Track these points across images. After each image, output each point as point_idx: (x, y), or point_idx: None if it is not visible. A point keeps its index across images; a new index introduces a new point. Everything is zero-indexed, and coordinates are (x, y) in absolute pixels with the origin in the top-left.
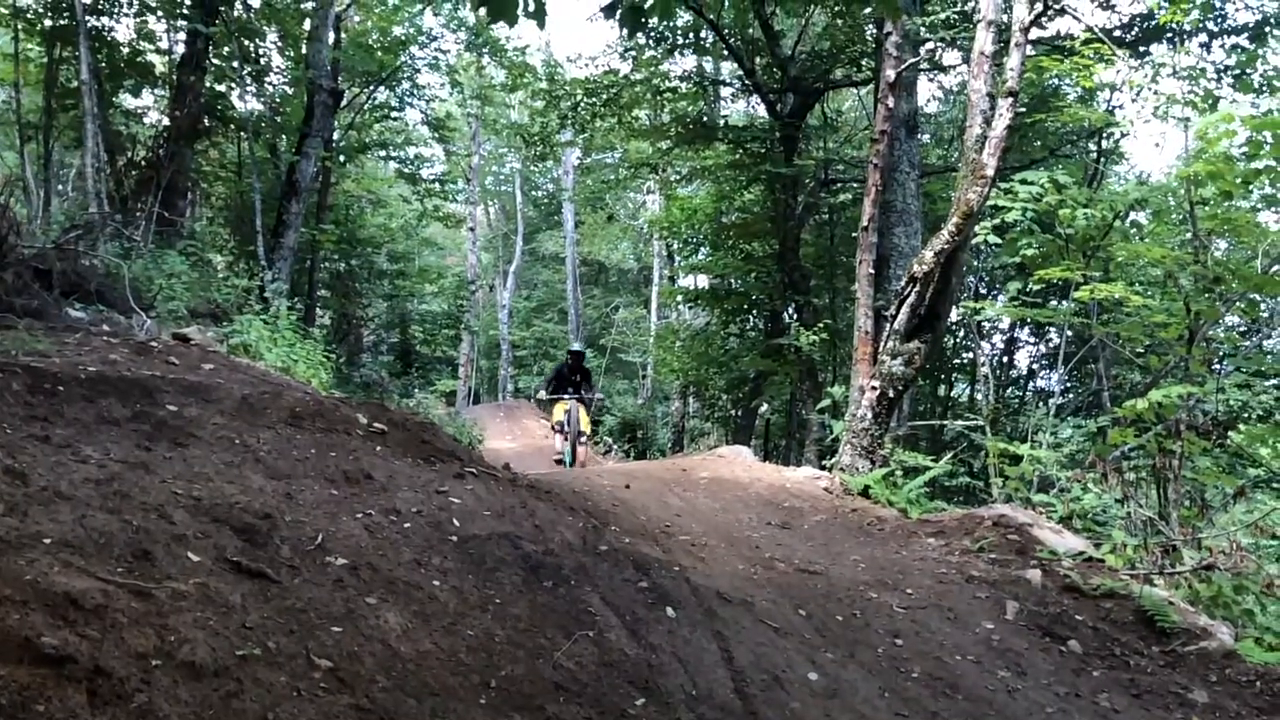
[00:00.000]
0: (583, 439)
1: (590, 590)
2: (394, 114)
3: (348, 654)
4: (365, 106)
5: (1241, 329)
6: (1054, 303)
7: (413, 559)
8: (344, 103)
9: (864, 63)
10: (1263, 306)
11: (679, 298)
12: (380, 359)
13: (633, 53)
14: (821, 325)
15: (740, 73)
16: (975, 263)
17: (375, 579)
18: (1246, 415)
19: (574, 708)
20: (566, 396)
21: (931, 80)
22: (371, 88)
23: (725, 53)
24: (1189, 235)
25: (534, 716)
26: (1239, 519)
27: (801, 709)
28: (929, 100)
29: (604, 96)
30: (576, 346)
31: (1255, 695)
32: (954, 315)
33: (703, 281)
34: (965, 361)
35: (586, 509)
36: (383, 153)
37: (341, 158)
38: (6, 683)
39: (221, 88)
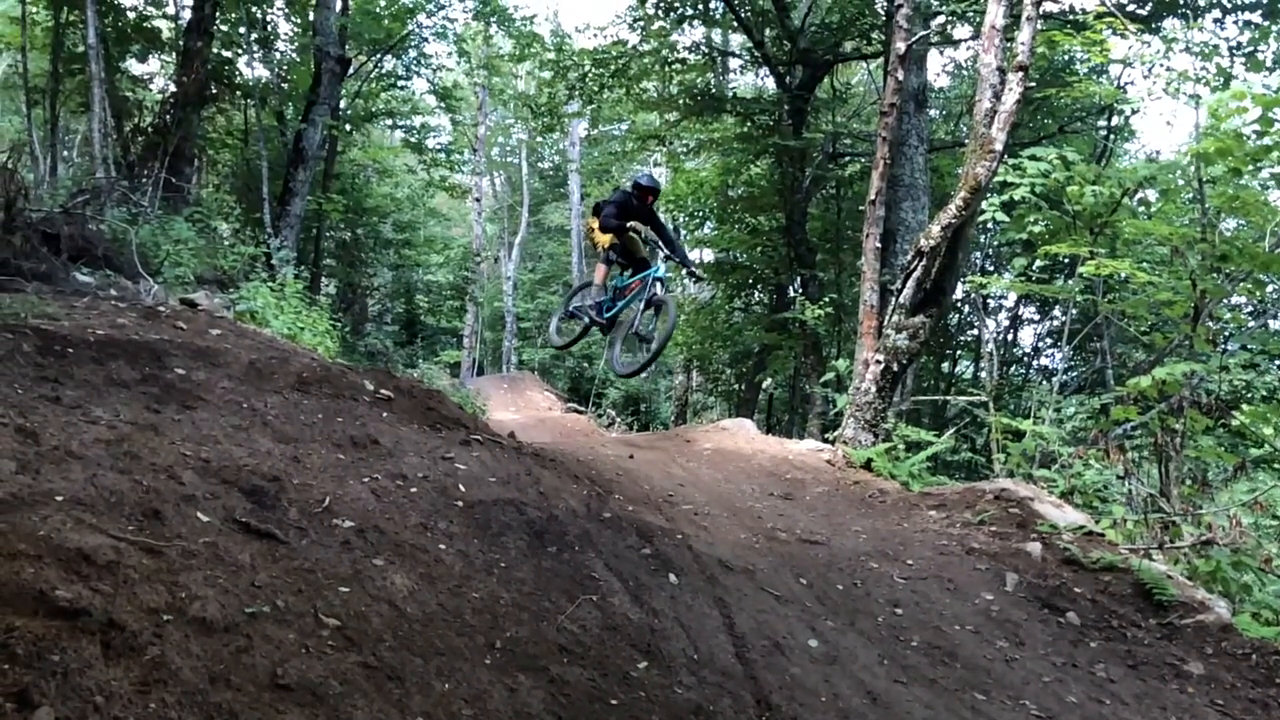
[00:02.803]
0: (656, 316)
1: (594, 556)
2: (401, 83)
3: (355, 613)
4: (372, 75)
5: (1248, 309)
6: (1059, 280)
7: (419, 523)
8: (351, 71)
9: (874, 36)
10: (1270, 287)
11: (683, 271)
12: (385, 329)
13: (641, 23)
14: (826, 299)
15: (749, 44)
16: (982, 239)
17: (382, 541)
18: (1250, 395)
19: (577, 669)
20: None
21: (942, 54)
22: (379, 56)
23: (734, 24)
24: (1198, 214)
25: (538, 677)
26: (1239, 496)
27: (801, 674)
28: (938, 75)
29: (612, 67)
30: (646, 179)
31: (1251, 668)
32: (959, 291)
33: (708, 255)
34: (970, 338)
35: (591, 477)
36: (389, 122)
37: (348, 126)
38: (23, 633)
39: (228, 54)
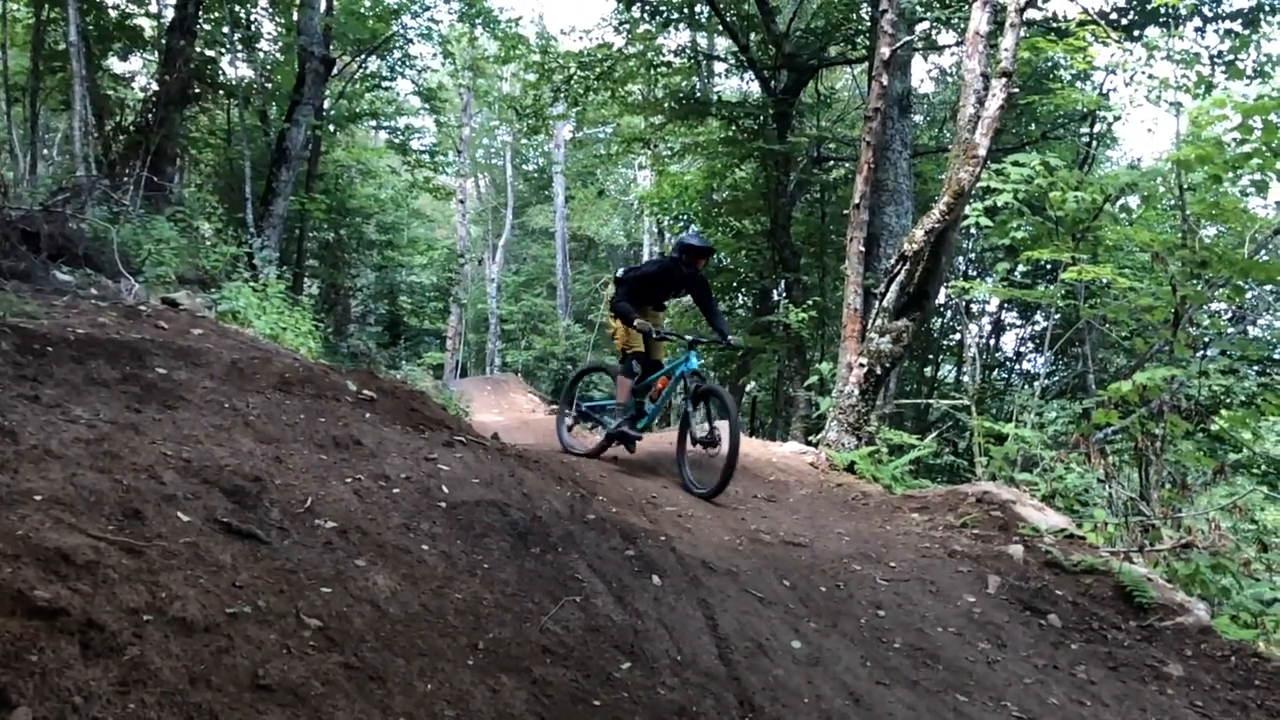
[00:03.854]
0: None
1: (577, 557)
2: (385, 83)
3: (337, 614)
4: (356, 75)
5: (1228, 315)
6: (1041, 285)
7: (402, 523)
8: (335, 71)
9: (859, 40)
10: (1249, 293)
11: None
12: (368, 330)
13: (627, 26)
14: (811, 303)
15: (735, 48)
16: (965, 244)
17: (364, 542)
18: (1229, 400)
19: (560, 670)
20: (669, 337)
21: (926, 60)
22: (363, 56)
23: (720, 28)
24: (1178, 220)
25: (521, 678)
26: (1218, 500)
27: (785, 676)
28: (923, 81)
29: (597, 70)
30: (699, 239)
31: (1229, 670)
32: (942, 295)
33: None
34: (953, 343)
35: (574, 479)
36: (373, 123)
37: (332, 126)
38: (0, 633)
39: (211, 53)
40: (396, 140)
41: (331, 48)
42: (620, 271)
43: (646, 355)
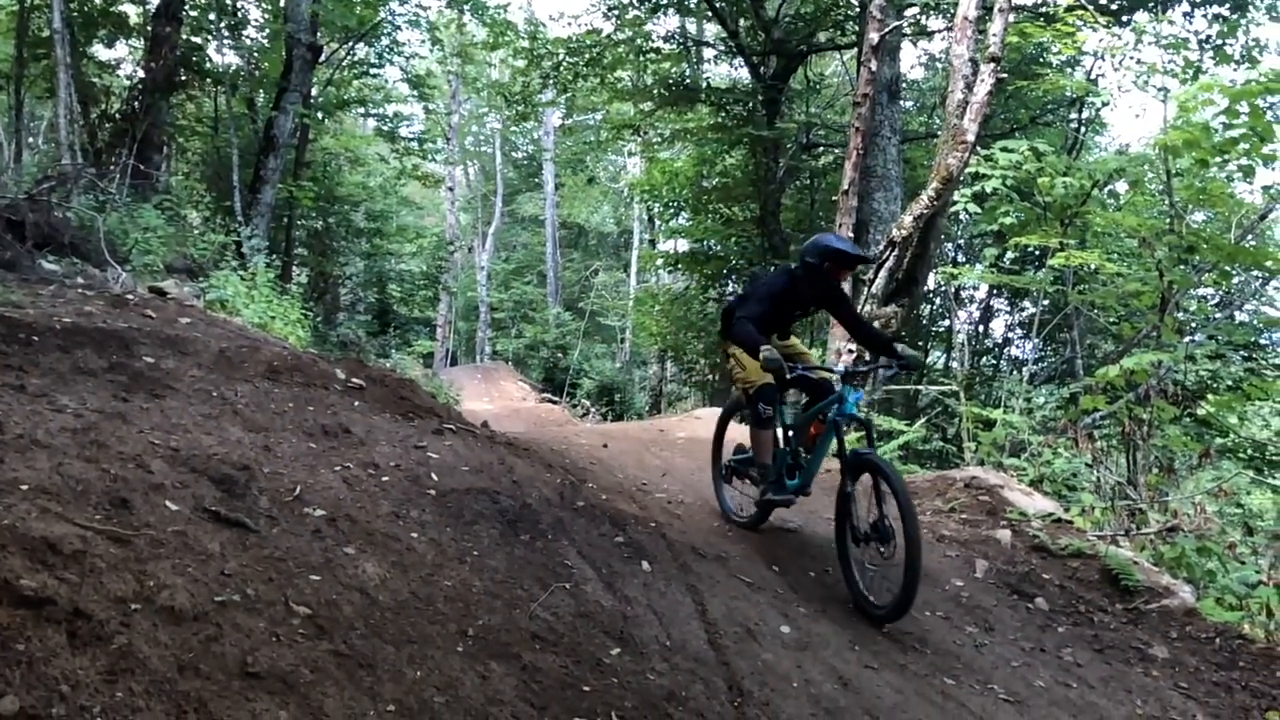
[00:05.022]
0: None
1: (567, 544)
2: (373, 71)
3: (326, 602)
4: (344, 62)
5: (1215, 301)
6: (1030, 271)
7: (391, 511)
8: (323, 58)
9: (848, 26)
10: (1236, 278)
11: (659, 262)
12: (358, 318)
13: (616, 12)
14: None
15: (724, 34)
16: (954, 230)
17: (353, 530)
18: (1215, 385)
19: (550, 656)
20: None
21: (915, 46)
22: (351, 43)
23: (709, 13)
24: (1166, 205)
25: (510, 665)
26: (1204, 484)
27: (773, 660)
28: (912, 66)
29: (586, 56)
30: (847, 244)
31: (1214, 651)
32: (931, 281)
33: (683, 246)
34: (941, 329)
35: (564, 466)
36: (362, 110)
37: (320, 114)
38: None
39: (198, 40)
40: (385, 128)
41: (319, 34)
42: (725, 308)
43: (779, 390)
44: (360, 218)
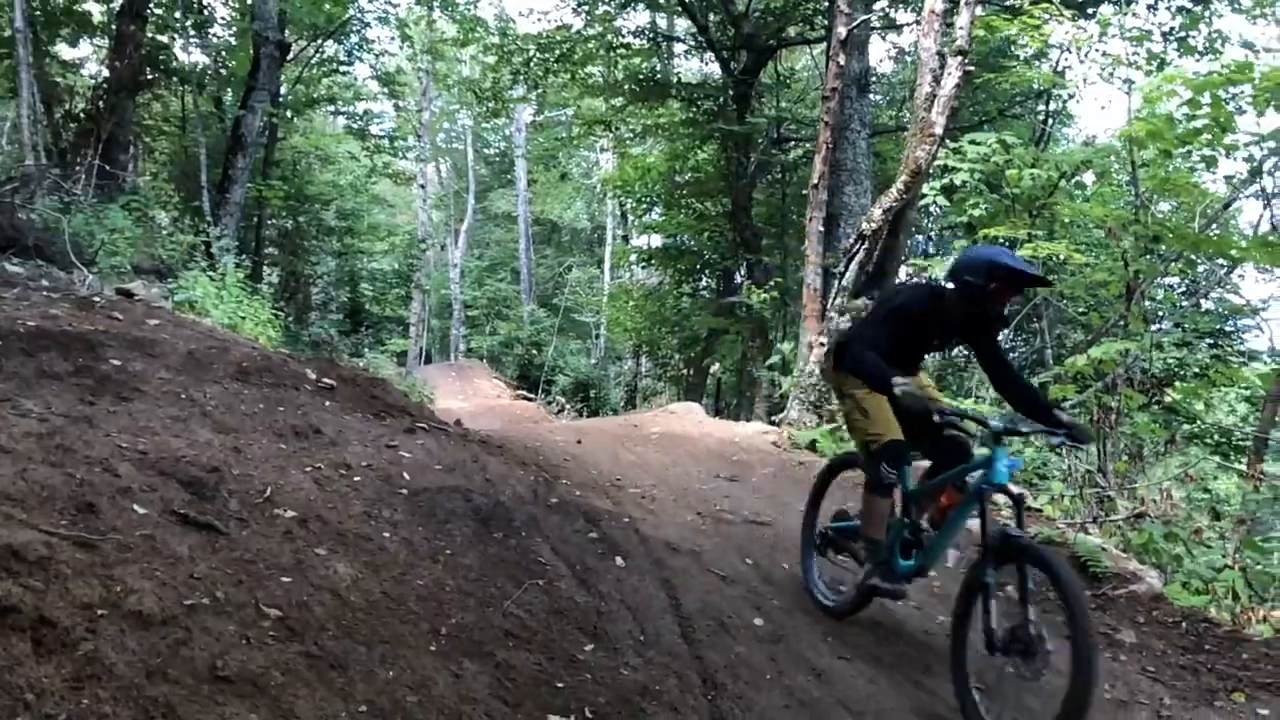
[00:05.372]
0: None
1: (541, 541)
2: (343, 68)
3: (297, 603)
4: (313, 60)
5: (1181, 290)
6: None
7: (363, 511)
8: (291, 56)
9: (817, 21)
10: (1201, 267)
11: (632, 257)
12: (329, 318)
13: (586, 7)
14: (773, 284)
15: (694, 29)
16: (925, 223)
17: (325, 531)
18: (1183, 373)
19: (523, 654)
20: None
21: (884, 40)
22: (319, 41)
23: (679, 8)
24: (1132, 196)
25: (484, 663)
26: (1172, 470)
27: (747, 653)
28: (882, 60)
29: (557, 52)
30: (1020, 261)
31: (1180, 635)
32: (903, 274)
33: (656, 241)
34: None
35: (538, 463)
36: (331, 108)
37: (289, 112)
38: None
39: (164, 38)
40: (355, 126)
41: (287, 32)
42: (835, 346)
43: (909, 446)
44: (331, 216)
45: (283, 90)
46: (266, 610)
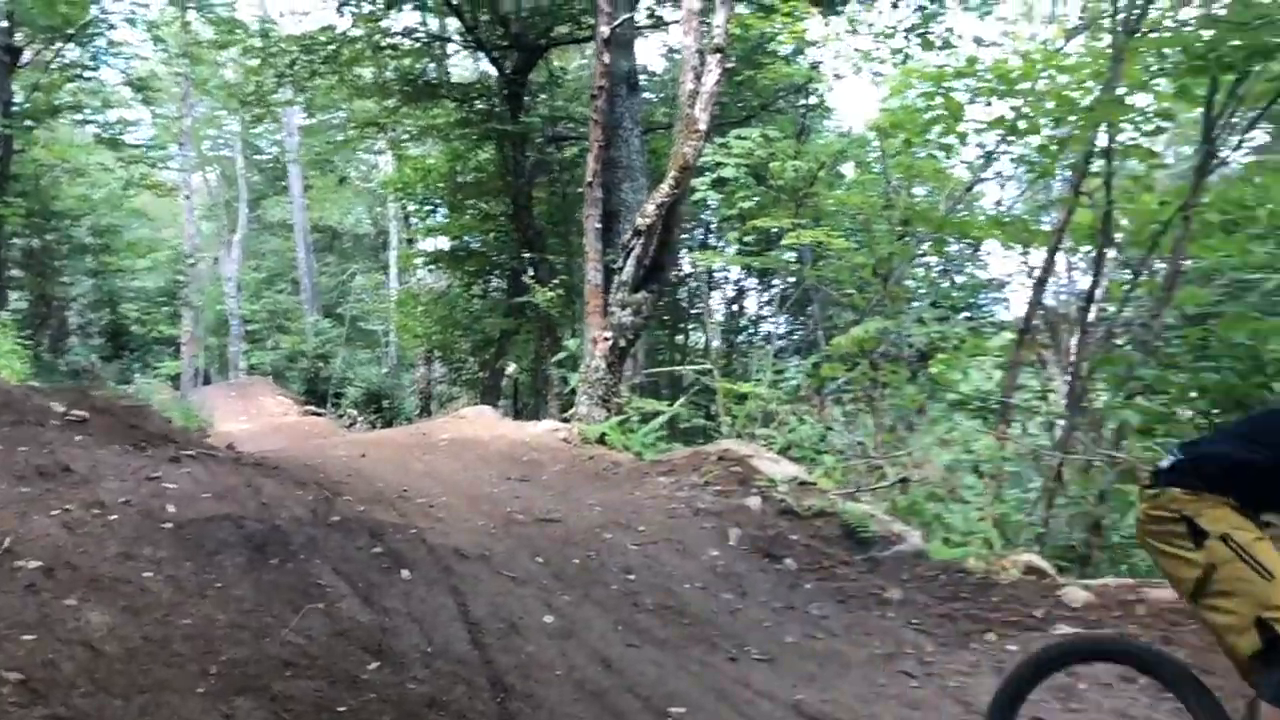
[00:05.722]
0: None
1: (320, 562)
2: (87, 73)
3: (42, 663)
4: (53, 65)
5: (940, 268)
6: (775, 252)
7: (120, 552)
8: (24, 61)
9: (585, 20)
10: (952, 247)
11: (418, 261)
12: (89, 343)
13: (348, 7)
14: (557, 282)
15: (464, 29)
16: (703, 215)
17: (75, 578)
18: (945, 345)
19: (303, 682)
20: None
21: (646, 38)
22: (58, 44)
23: (446, 8)
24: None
25: (258, 697)
26: (934, 436)
27: (537, 651)
28: (654, 58)
29: (322, 53)
30: None
31: (940, 587)
32: (687, 266)
33: (443, 244)
34: (700, 310)
35: (318, 481)
36: (78, 116)
37: (27, 122)
38: None
39: None
40: (106, 135)
41: (17, 35)
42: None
43: None
44: (84, 233)
45: (18, 99)
46: (5, 675)
